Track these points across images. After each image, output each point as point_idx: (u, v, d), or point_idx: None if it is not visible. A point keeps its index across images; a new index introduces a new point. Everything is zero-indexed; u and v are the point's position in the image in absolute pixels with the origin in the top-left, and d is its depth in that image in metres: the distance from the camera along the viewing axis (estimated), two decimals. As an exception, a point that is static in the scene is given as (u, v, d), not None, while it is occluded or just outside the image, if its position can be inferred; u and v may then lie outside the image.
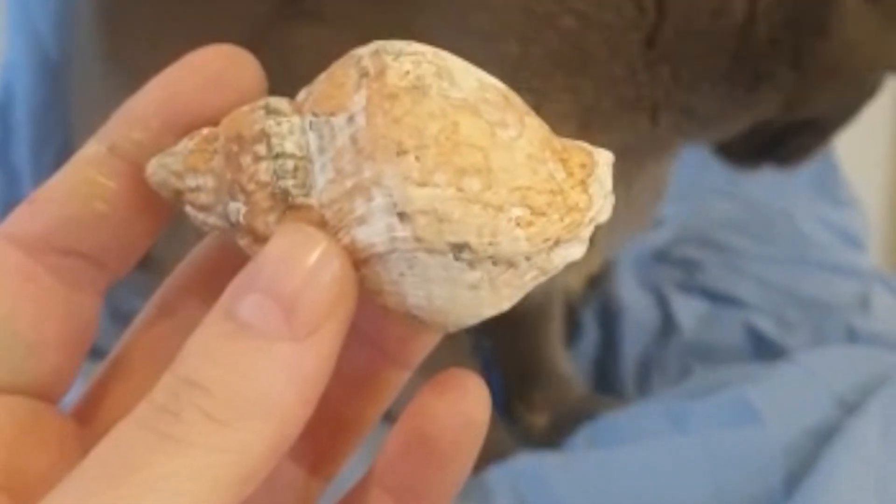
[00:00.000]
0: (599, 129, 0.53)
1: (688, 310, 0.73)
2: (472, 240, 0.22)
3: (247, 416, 0.20)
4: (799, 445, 0.57)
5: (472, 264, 0.22)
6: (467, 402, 0.24)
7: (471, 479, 0.63)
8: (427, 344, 0.27)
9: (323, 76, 0.23)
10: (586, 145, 0.24)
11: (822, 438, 0.57)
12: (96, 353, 0.28)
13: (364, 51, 0.23)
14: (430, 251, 0.22)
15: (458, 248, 0.22)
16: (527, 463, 0.60)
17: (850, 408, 0.60)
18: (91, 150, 0.25)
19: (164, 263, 0.28)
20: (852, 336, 0.69)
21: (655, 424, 0.62)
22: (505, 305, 0.23)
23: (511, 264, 0.22)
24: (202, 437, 0.20)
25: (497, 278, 0.22)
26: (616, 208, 0.24)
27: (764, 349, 0.69)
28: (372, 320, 0.24)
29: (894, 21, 0.52)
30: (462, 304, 0.23)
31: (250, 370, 0.21)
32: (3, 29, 0.78)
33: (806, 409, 0.60)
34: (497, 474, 0.59)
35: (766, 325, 0.70)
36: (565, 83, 0.52)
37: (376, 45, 0.23)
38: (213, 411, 0.20)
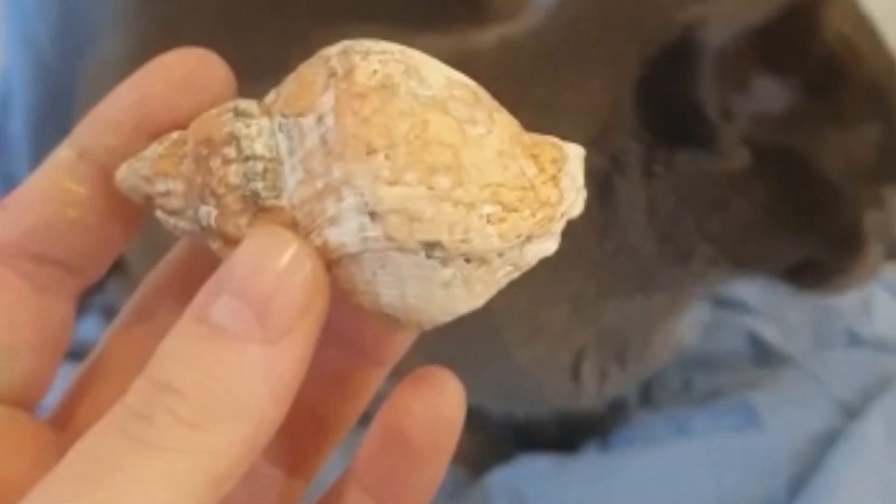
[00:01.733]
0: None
1: (689, 315, 0.72)
2: (444, 238, 0.22)
3: (220, 419, 0.20)
4: (802, 450, 0.57)
5: (444, 262, 0.22)
6: (443, 399, 0.24)
7: (472, 482, 0.63)
8: (404, 341, 0.27)
9: (291, 77, 0.23)
10: (556, 140, 0.24)
11: (826, 443, 0.57)
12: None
13: (332, 50, 0.23)
14: (402, 250, 0.22)
15: (430, 247, 0.22)
16: (528, 466, 0.60)
17: (853, 412, 0.60)
18: (62, 155, 0.25)
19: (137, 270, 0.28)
20: (854, 341, 0.68)
21: (659, 430, 0.62)
22: (479, 302, 0.23)
23: (484, 261, 0.22)
24: (175, 441, 0.20)
25: (470, 275, 0.22)
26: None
27: (766, 354, 0.68)
28: (347, 319, 0.24)
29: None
30: (436, 302, 0.22)
31: (223, 373, 0.21)
32: (0, 38, 0.78)
33: (809, 414, 0.60)
34: (497, 477, 0.59)
35: (768, 330, 0.70)
36: None
37: (344, 44, 0.23)
38: (186, 415, 0.20)
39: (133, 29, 0.64)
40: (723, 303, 0.71)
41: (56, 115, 0.71)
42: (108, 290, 0.62)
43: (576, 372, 0.59)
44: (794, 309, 0.71)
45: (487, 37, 0.54)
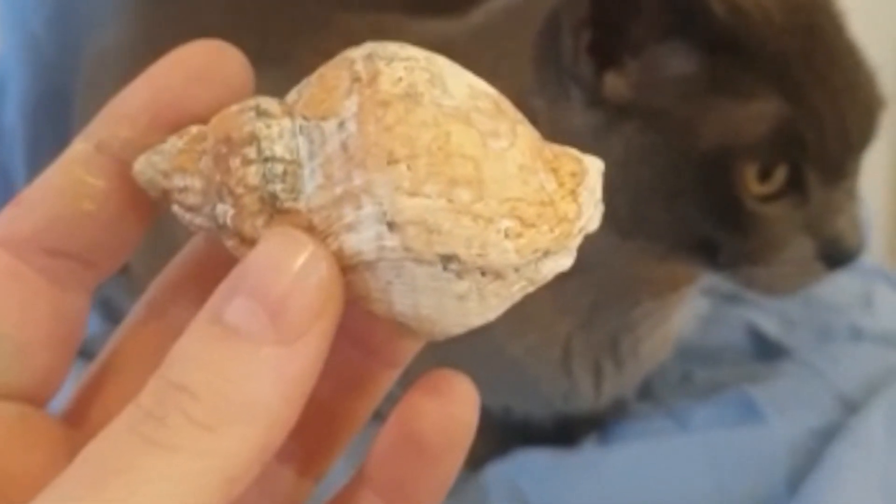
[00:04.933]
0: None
1: (688, 308, 0.72)
2: (461, 251, 0.22)
3: (233, 421, 0.20)
4: (803, 445, 0.57)
5: (460, 275, 0.22)
6: (456, 402, 0.24)
7: (469, 476, 0.63)
8: (416, 343, 0.26)
9: (314, 77, 0.23)
10: (576, 152, 0.24)
11: (826, 437, 0.57)
12: (91, 354, 0.27)
13: (356, 54, 0.23)
14: (419, 261, 0.22)
15: (447, 260, 0.22)
16: (526, 460, 0.59)
17: (853, 406, 0.59)
18: (78, 148, 0.25)
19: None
20: (856, 334, 0.68)
21: (658, 424, 0.61)
22: (491, 315, 0.23)
23: (499, 275, 0.22)
24: (187, 442, 0.20)
25: (485, 288, 0.22)
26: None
27: (766, 348, 0.68)
28: (359, 320, 0.24)
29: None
30: (449, 314, 0.23)
31: (237, 374, 0.21)
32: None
33: (810, 409, 0.60)
34: (495, 472, 0.59)
35: (769, 324, 0.69)
36: None
37: (368, 48, 0.23)
38: (198, 416, 0.20)
39: (135, 17, 0.63)
40: (723, 296, 0.70)
41: (51, 105, 0.71)
42: (105, 286, 0.62)
43: (567, 367, 0.59)
44: (794, 303, 0.70)
45: (463, 22, 0.55)
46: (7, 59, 0.77)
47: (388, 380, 0.27)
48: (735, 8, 0.48)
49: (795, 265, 0.51)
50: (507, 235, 0.22)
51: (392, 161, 0.21)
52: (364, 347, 0.26)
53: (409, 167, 0.21)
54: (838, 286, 0.72)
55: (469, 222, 0.22)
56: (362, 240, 0.22)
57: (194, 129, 0.24)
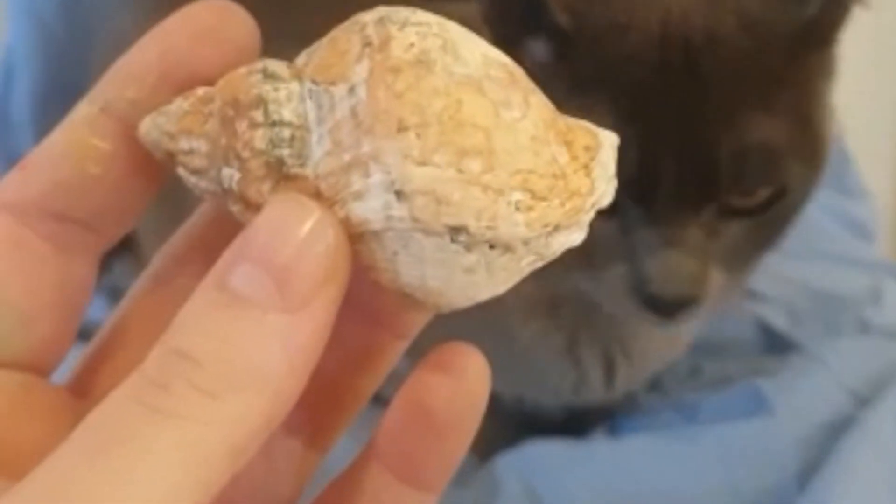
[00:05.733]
0: None
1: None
2: (471, 223, 0.21)
3: (238, 389, 0.20)
4: (812, 438, 0.57)
5: (468, 247, 0.21)
6: (466, 377, 0.24)
7: (479, 466, 0.63)
8: (423, 316, 0.26)
9: (325, 41, 0.23)
10: (591, 125, 0.24)
11: (835, 431, 0.57)
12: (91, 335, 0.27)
13: (368, 17, 0.22)
14: (427, 232, 0.21)
15: (456, 231, 0.21)
16: (536, 451, 0.59)
17: (862, 400, 0.59)
18: (83, 111, 0.24)
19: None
20: (864, 328, 0.68)
21: (667, 417, 0.62)
22: (500, 289, 0.22)
23: (508, 249, 0.22)
24: (192, 410, 0.20)
25: (493, 262, 0.22)
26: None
27: (775, 341, 0.68)
28: (366, 291, 0.24)
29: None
30: (456, 287, 0.22)
31: (242, 342, 0.20)
32: (3, 15, 0.78)
33: (818, 403, 0.60)
34: (505, 462, 0.59)
35: (777, 318, 0.69)
36: None
37: (380, 11, 0.22)
38: (203, 384, 0.20)
39: (148, 2, 0.63)
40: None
41: (62, 95, 0.70)
42: (114, 272, 0.62)
43: (575, 356, 0.59)
44: (803, 296, 0.70)
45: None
46: (17, 48, 0.77)
47: (396, 352, 0.27)
48: (575, 11, 0.48)
49: (609, 291, 0.51)
50: (517, 208, 0.21)
51: (402, 129, 0.21)
52: (371, 319, 0.26)
53: (418, 136, 0.21)
54: (846, 280, 0.73)
55: (479, 193, 0.21)
56: (370, 208, 0.21)
57: (200, 91, 0.23)
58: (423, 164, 0.21)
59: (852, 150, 0.87)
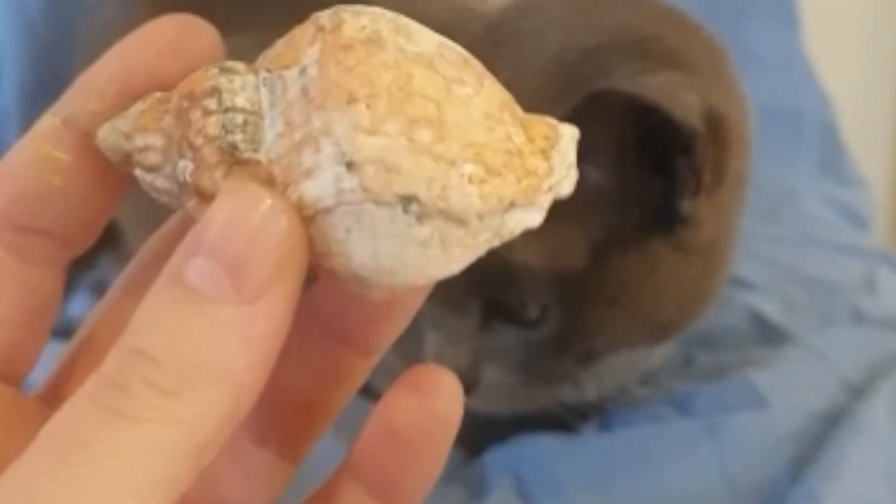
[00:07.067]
0: None
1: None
2: (421, 192, 0.21)
3: (198, 386, 0.20)
4: (806, 430, 0.57)
5: (420, 218, 0.21)
6: (437, 397, 0.24)
7: (468, 461, 0.63)
8: (393, 330, 0.26)
9: (282, 39, 0.23)
10: (551, 120, 0.23)
11: (830, 422, 0.57)
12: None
13: (323, 11, 0.23)
14: (378, 203, 0.21)
15: (407, 201, 0.21)
16: (525, 446, 0.59)
17: (857, 391, 0.59)
18: (45, 123, 0.25)
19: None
20: (858, 318, 0.68)
21: (660, 409, 0.61)
22: (455, 267, 0.22)
23: (462, 222, 0.21)
24: (152, 411, 0.20)
25: (448, 236, 0.21)
26: None
27: (768, 332, 0.68)
28: (334, 307, 0.24)
29: None
30: (410, 263, 0.22)
31: (199, 337, 0.20)
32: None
33: (812, 393, 0.59)
34: (495, 457, 0.59)
35: (771, 308, 0.69)
36: None
37: (336, 6, 0.23)
38: (161, 382, 0.20)
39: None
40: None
41: (48, 88, 0.70)
42: (98, 267, 0.62)
43: None
44: (797, 286, 0.70)
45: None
46: (4, 42, 0.76)
47: (366, 366, 0.27)
48: None
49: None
50: (470, 180, 0.21)
51: (352, 100, 0.21)
52: (338, 337, 0.26)
53: (368, 106, 0.21)
54: (841, 269, 0.72)
55: (430, 162, 0.21)
56: (320, 185, 0.21)
57: (158, 94, 0.24)
58: (373, 133, 0.21)
59: (847, 137, 0.87)
